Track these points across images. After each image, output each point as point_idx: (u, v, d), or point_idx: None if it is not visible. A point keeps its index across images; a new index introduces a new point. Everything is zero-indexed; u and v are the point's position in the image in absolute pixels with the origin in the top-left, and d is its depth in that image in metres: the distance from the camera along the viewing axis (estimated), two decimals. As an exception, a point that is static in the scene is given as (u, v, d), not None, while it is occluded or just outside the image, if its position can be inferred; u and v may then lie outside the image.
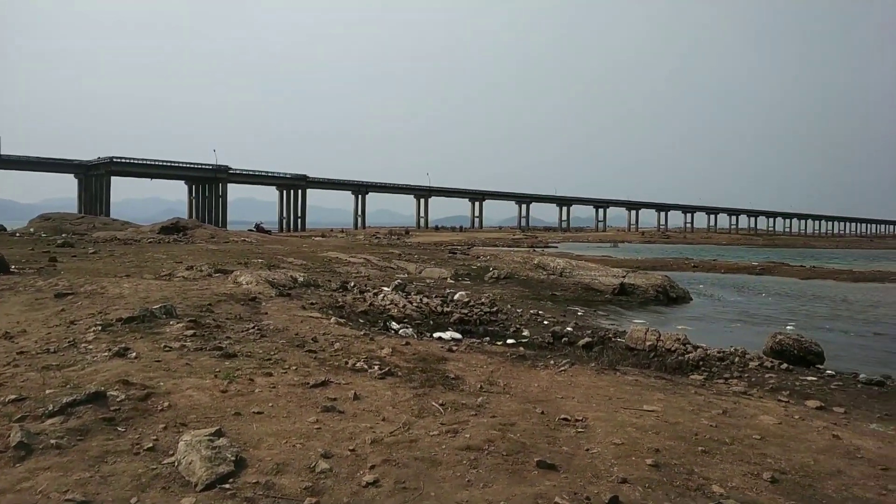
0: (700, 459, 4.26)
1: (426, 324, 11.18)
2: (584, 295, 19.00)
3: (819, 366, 9.62)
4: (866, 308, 19.08)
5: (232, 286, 11.47)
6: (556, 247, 62.80)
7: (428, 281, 18.35)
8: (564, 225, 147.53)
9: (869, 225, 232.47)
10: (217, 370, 5.60)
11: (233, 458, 3.68)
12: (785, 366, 9.13)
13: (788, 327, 13.32)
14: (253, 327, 7.73)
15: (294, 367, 5.97)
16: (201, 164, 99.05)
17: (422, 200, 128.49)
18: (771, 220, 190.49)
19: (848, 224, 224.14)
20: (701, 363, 8.99)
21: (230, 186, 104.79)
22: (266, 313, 9.11)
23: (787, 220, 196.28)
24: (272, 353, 6.52)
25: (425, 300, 13.19)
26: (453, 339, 9.41)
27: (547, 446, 4.29)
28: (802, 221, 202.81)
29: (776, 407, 6.26)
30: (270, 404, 4.78)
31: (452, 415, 4.88)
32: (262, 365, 5.95)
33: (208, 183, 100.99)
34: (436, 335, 9.93)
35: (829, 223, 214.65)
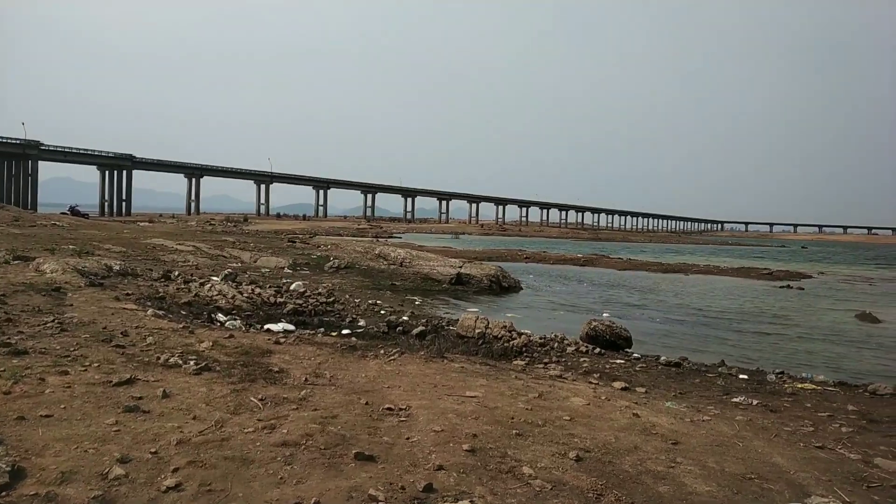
0: (514, 442, 4.46)
1: (257, 315, 10.71)
2: (423, 284, 19.35)
3: (628, 350, 10.56)
4: (671, 297, 21.30)
5: (33, 275, 10.25)
6: (401, 237, 63.34)
7: (263, 271, 17.68)
8: (409, 216, 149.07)
9: (677, 222, 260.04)
10: (1, 369, 4.95)
11: (8, 469, 3.28)
12: (598, 350, 9.91)
13: (604, 315, 14.45)
14: (53, 321, 6.95)
15: (96, 365, 5.43)
16: (6, 139, 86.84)
17: (262, 186, 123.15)
18: (596, 215, 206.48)
19: (660, 221, 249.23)
20: (524, 349, 9.47)
21: (43, 165, 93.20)
22: (71, 305, 8.23)
23: (610, 216, 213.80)
24: (72, 349, 5.89)
25: (258, 290, 12.66)
26: (284, 331, 9.09)
27: (367, 437, 4.26)
28: (622, 217, 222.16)
29: (587, 389, 6.74)
30: (63, 406, 4.30)
31: (272, 410, 4.69)
32: (57, 362, 5.35)
33: (15, 159, 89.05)
34: (266, 327, 9.54)
35: (645, 219, 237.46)
